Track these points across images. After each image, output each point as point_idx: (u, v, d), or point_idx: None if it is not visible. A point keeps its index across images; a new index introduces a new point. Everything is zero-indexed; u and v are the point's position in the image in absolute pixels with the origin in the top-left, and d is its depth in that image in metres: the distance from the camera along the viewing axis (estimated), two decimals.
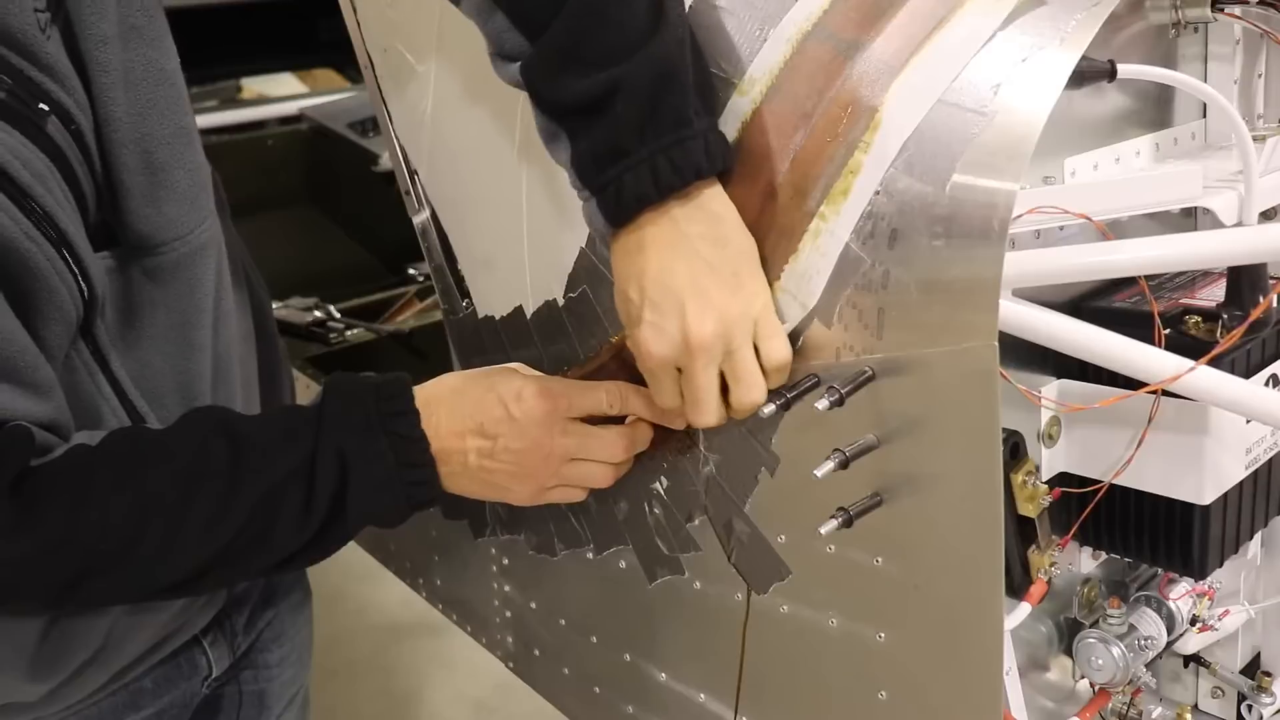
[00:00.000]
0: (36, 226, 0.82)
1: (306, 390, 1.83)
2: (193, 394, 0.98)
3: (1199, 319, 0.90)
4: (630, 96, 0.79)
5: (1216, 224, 0.88)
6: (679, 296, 0.81)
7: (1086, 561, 1.01)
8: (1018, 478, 0.87)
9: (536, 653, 1.24)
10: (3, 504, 0.81)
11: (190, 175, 0.94)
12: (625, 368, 0.98)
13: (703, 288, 0.81)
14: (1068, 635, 1.02)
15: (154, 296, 0.94)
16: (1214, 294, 0.93)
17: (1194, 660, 1.10)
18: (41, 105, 0.83)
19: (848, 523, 0.83)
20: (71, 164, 0.86)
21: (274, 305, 2.29)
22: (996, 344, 0.73)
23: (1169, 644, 1.00)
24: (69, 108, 0.85)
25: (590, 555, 1.11)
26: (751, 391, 0.84)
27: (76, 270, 0.86)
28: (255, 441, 0.89)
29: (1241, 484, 0.93)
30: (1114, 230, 0.86)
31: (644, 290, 0.82)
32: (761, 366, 0.84)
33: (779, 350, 0.83)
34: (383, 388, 0.92)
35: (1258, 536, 1.04)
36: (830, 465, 0.81)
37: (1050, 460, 0.93)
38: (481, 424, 0.93)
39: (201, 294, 0.97)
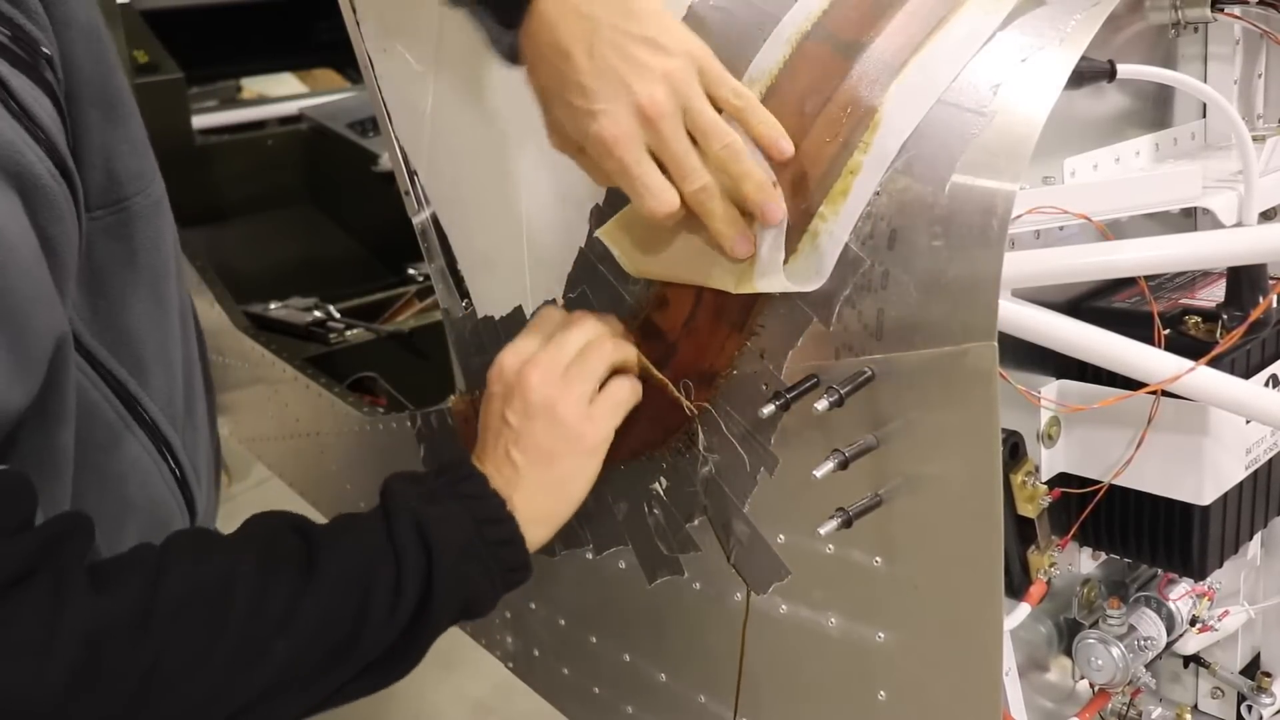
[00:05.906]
0: (57, 167, 0.82)
1: (305, 390, 1.82)
2: (168, 355, 0.98)
3: (1199, 319, 0.90)
4: None
5: (1216, 224, 0.88)
6: (618, 76, 0.80)
7: (1086, 562, 1.01)
8: (1017, 478, 0.87)
9: (536, 653, 1.24)
10: (80, 576, 0.76)
11: (141, 128, 0.96)
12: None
13: (634, 57, 0.80)
14: (1067, 635, 1.02)
15: (122, 255, 0.93)
16: (1214, 294, 0.93)
17: (1194, 660, 1.10)
18: (45, 49, 0.84)
19: (847, 523, 0.83)
20: (65, 114, 0.86)
21: (274, 305, 2.30)
22: (996, 344, 0.73)
23: (1169, 644, 1.00)
24: (55, 59, 0.86)
25: (589, 556, 1.11)
26: (722, 137, 0.81)
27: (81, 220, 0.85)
28: (328, 539, 0.86)
29: (1241, 484, 0.93)
30: (1114, 230, 0.86)
31: (585, 88, 0.81)
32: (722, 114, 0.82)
33: (735, 92, 0.82)
34: (443, 467, 0.94)
35: (1257, 537, 1.04)
36: (830, 466, 0.81)
37: (1050, 460, 0.93)
38: (508, 450, 0.93)
39: (166, 246, 0.98)
